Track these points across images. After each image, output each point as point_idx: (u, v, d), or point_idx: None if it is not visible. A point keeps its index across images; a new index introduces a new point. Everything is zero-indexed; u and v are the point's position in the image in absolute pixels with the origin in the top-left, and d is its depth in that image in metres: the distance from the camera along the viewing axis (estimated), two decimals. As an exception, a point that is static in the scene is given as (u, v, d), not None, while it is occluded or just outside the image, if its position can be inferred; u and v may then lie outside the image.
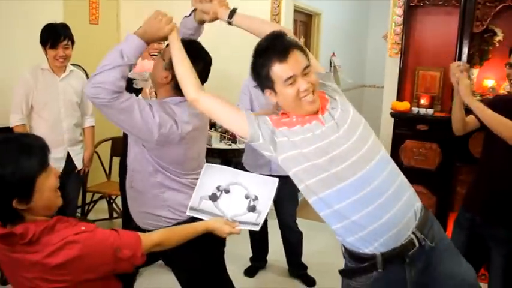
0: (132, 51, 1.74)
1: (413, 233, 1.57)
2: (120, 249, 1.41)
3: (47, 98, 3.11)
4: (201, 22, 2.04)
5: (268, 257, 3.64)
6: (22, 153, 1.33)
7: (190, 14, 2.07)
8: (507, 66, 2.33)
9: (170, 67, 1.86)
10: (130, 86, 2.75)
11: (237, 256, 3.65)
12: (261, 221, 1.74)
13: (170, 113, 1.86)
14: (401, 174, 1.65)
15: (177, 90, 1.89)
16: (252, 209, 1.75)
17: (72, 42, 3.12)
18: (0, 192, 1.30)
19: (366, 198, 1.52)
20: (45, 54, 3.10)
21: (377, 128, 4.11)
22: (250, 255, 3.61)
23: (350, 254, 1.65)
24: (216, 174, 1.81)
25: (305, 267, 3.49)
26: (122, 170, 3.28)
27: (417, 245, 1.57)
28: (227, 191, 1.79)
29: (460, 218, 2.50)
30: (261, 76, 1.62)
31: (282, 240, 3.48)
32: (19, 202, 1.31)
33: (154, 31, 1.77)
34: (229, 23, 1.92)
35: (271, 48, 1.58)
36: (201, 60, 1.90)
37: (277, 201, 3.32)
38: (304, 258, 3.53)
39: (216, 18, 1.96)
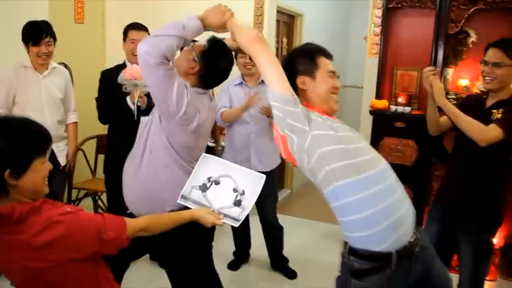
0: (191, 28, 1.86)
1: (414, 233, 1.68)
2: (105, 231, 1.44)
3: (29, 96, 3.13)
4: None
5: (251, 251, 3.73)
6: (30, 131, 1.40)
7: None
8: (482, 64, 2.45)
9: (200, 59, 2.02)
10: (120, 90, 2.81)
11: (220, 250, 3.72)
12: (243, 217, 1.82)
13: (196, 99, 2.00)
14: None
15: (201, 82, 2.06)
16: (237, 203, 1.83)
17: (55, 39, 3.16)
18: (3, 155, 1.33)
19: (382, 192, 1.60)
20: (28, 52, 3.13)
21: (357, 127, 4.23)
22: (234, 249, 3.70)
23: (360, 255, 1.64)
24: (210, 165, 1.91)
25: (286, 260, 3.60)
26: (108, 167, 3.33)
27: (419, 244, 1.68)
28: (217, 183, 1.88)
29: (432, 210, 2.64)
30: (307, 60, 1.76)
31: (263, 234, 3.57)
32: (11, 175, 1.34)
33: (216, 15, 1.88)
34: None
35: (321, 48, 1.81)
36: (225, 57, 2.05)
37: (258, 197, 3.42)
38: (286, 253, 3.64)
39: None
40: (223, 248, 3.69)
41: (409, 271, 1.66)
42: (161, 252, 2.19)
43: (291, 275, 3.52)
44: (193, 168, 2.01)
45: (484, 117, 2.36)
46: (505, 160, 2.40)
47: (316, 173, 1.62)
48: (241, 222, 1.82)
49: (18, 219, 1.34)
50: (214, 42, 2.04)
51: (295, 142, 1.62)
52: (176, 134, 1.99)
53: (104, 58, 4.75)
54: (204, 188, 1.88)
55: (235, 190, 1.86)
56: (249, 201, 1.85)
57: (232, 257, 3.69)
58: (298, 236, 4.17)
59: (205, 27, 1.91)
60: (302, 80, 1.75)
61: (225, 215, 1.83)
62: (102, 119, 3.19)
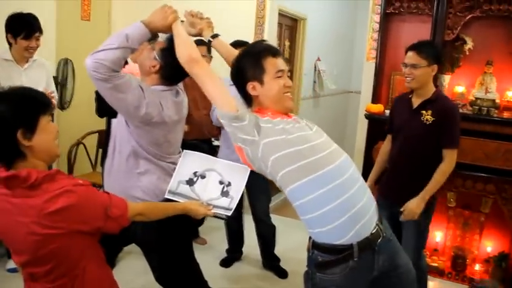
0: (136, 36, 1.88)
1: (377, 224, 1.72)
2: (110, 208, 1.52)
3: None
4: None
5: (243, 249, 3.78)
6: (30, 94, 1.49)
7: None
8: (403, 65, 2.73)
9: (160, 57, 2.03)
10: None
11: (213, 248, 3.79)
12: (233, 206, 1.90)
13: (157, 97, 2.01)
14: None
15: (164, 80, 2.07)
16: (225, 194, 1.91)
17: (41, 33, 3.18)
18: (8, 120, 1.40)
19: (339, 187, 1.63)
20: (10, 44, 3.12)
21: (355, 132, 4.26)
22: (227, 246, 3.74)
23: (322, 248, 1.70)
24: (194, 161, 1.98)
25: (278, 259, 3.64)
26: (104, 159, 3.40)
27: (382, 235, 1.72)
28: (203, 177, 1.95)
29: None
30: (253, 65, 1.75)
31: (256, 232, 3.61)
32: (23, 135, 1.41)
33: (159, 20, 1.91)
34: (209, 42, 2.18)
35: (267, 46, 1.81)
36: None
37: (251, 196, 3.49)
38: (280, 254, 3.68)
39: (199, 34, 2.17)
40: (216, 245, 3.75)
41: (373, 262, 1.70)
42: (144, 243, 2.23)
43: (282, 274, 3.56)
44: (167, 163, 2.06)
45: (415, 118, 2.67)
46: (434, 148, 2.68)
47: (274, 176, 1.68)
48: (232, 210, 1.89)
49: (32, 184, 1.40)
50: (173, 39, 2.00)
51: (249, 152, 1.67)
52: (143, 133, 2.02)
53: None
54: (191, 183, 1.95)
55: (221, 182, 1.93)
56: (236, 191, 1.91)
57: (225, 254, 3.73)
58: (292, 237, 4.20)
59: (152, 31, 1.93)
60: (252, 86, 1.76)
61: (215, 206, 1.92)
62: (99, 112, 3.25)
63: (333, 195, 1.63)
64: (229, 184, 1.92)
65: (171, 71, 2.05)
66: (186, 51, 1.80)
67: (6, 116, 1.40)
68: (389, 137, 2.98)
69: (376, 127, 3.65)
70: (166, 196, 1.94)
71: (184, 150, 2.01)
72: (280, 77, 1.76)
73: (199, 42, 3.09)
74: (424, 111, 2.66)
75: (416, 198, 2.63)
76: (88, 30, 4.68)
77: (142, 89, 1.96)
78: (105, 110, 3.20)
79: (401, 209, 2.65)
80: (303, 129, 1.71)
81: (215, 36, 2.17)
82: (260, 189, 3.43)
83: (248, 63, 1.77)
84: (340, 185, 1.64)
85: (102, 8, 4.82)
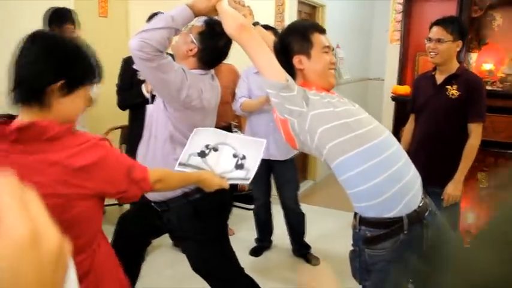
0: (181, 18, 1.88)
1: (422, 198, 1.71)
2: (134, 169, 1.42)
3: None
4: None
5: (272, 238, 3.74)
6: (94, 55, 1.37)
7: None
8: (427, 40, 2.67)
9: (198, 40, 2.02)
10: (135, 78, 2.86)
11: (242, 237, 3.76)
12: (251, 176, 1.83)
13: (197, 80, 2.00)
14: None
15: (201, 64, 2.06)
16: (239, 167, 1.85)
17: (74, 25, 3.25)
18: (62, 64, 1.28)
19: (387, 160, 1.63)
20: None
21: (379, 117, 4.19)
22: (254, 237, 3.71)
23: (371, 223, 1.67)
24: (206, 136, 1.92)
25: (308, 247, 3.59)
26: (129, 154, 3.39)
27: (428, 208, 1.70)
28: (215, 149, 1.89)
29: None
30: (300, 39, 1.76)
31: (285, 221, 3.58)
32: (61, 88, 1.27)
33: (203, 1, 1.89)
34: None
35: (314, 23, 1.83)
36: (223, 36, 1.97)
37: (279, 185, 3.47)
38: (309, 242, 3.63)
39: None
40: (245, 235, 3.72)
41: (422, 236, 1.68)
42: (179, 231, 2.21)
43: (314, 261, 3.51)
44: None
45: (440, 94, 2.63)
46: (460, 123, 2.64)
47: (321, 150, 1.65)
48: (251, 179, 1.83)
49: (52, 137, 1.25)
50: (211, 23, 2.03)
51: (295, 124, 1.64)
52: (182, 117, 2.01)
53: (126, 52, 4.81)
54: (202, 155, 1.89)
55: (235, 155, 1.87)
56: (252, 163, 1.85)
57: (252, 244, 3.70)
58: (322, 225, 4.15)
59: (195, 14, 1.91)
60: (298, 60, 1.75)
61: (229, 178, 1.84)
62: (120, 104, 3.26)
63: (381, 168, 1.61)
64: (243, 157, 1.86)
65: (209, 55, 2.06)
66: (235, 20, 1.75)
67: (57, 62, 1.27)
68: (412, 117, 2.93)
69: (403, 109, 3.58)
70: (177, 168, 1.86)
71: (196, 128, 1.96)
72: (326, 52, 1.78)
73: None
74: (449, 86, 2.63)
75: (452, 182, 2.60)
76: (105, 27, 4.68)
77: (185, 71, 1.95)
78: (126, 102, 3.23)
79: (442, 197, 2.61)
80: (347, 104, 1.72)
81: (256, 24, 2.15)
82: (288, 176, 3.41)
83: (296, 37, 1.77)
84: (387, 157, 1.62)
85: (120, 4, 4.82)
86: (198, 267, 2.24)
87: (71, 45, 1.33)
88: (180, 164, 1.87)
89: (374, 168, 1.60)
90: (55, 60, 1.28)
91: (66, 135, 1.28)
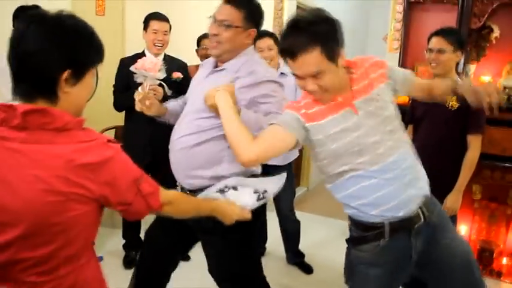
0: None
1: (420, 208, 1.69)
2: (142, 181, 1.28)
3: None
4: None
5: (267, 245, 3.72)
6: (98, 37, 1.25)
7: None
8: (427, 52, 2.67)
9: (246, 23, 2.02)
10: (131, 79, 2.80)
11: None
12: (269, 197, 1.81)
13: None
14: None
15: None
16: (261, 199, 1.79)
17: None
18: (69, 49, 1.15)
19: (385, 181, 1.63)
20: None
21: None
22: (249, 243, 3.67)
23: (354, 223, 1.73)
24: (227, 181, 1.87)
25: (302, 255, 3.58)
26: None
27: (422, 219, 1.68)
28: (235, 188, 1.81)
29: None
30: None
31: (280, 229, 3.55)
32: (69, 78, 1.16)
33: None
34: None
35: (284, 46, 1.58)
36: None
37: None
38: (303, 249, 3.62)
39: None
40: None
41: (409, 246, 1.68)
42: (210, 229, 2.00)
43: (308, 269, 3.50)
44: None
45: (439, 105, 2.55)
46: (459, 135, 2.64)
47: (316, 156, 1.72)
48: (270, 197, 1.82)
49: (61, 128, 1.14)
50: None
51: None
52: None
53: (123, 50, 4.77)
54: (222, 192, 1.80)
55: (255, 191, 1.80)
56: (271, 194, 1.83)
57: (247, 251, 3.65)
58: (314, 232, 4.14)
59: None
60: (342, 53, 1.59)
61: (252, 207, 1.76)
62: (116, 105, 3.21)
63: (376, 188, 1.65)
64: (265, 191, 1.80)
65: (257, 14, 2.14)
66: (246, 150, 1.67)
67: (61, 49, 1.14)
68: (410, 128, 2.91)
69: (401, 119, 3.58)
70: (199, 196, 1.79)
71: None
72: (300, 79, 1.69)
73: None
74: (448, 97, 2.60)
75: (452, 194, 2.60)
76: (102, 26, 4.62)
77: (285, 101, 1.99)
78: (122, 103, 3.18)
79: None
80: (356, 125, 1.66)
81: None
82: (284, 183, 3.36)
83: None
84: (387, 179, 1.64)
85: (117, 3, 4.78)
86: (218, 270, 2.13)
87: (73, 25, 1.18)
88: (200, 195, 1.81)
89: (368, 188, 1.64)
90: (60, 45, 1.14)
91: (76, 129, 1.18)
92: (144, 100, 2.14)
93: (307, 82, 1.56)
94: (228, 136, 1.71)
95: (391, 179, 1.62)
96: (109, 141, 1.22)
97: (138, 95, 2.18)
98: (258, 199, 1.77)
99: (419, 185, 1.72)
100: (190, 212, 1.56)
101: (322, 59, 1.52)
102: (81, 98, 1.24)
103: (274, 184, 1.84)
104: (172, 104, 2.34)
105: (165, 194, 1.39)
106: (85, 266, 1.26)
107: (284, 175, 1.86)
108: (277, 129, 1.63)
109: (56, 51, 1.13)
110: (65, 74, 1.14)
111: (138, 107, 2.15)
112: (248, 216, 1.68)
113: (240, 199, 1.75)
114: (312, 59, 1.51)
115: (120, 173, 1.21)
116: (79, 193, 1.14)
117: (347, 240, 1.81)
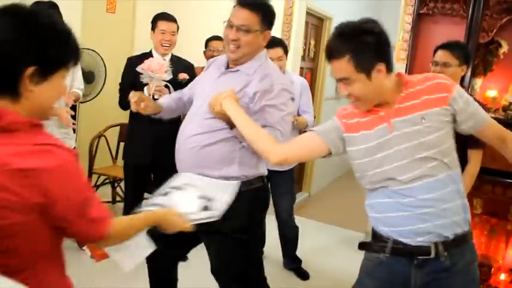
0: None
1: (435, 243, 1.56)
2: (90, 204, 1.16)
3: None
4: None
5: (264, 249, 3.70)
6: (72, 34, 1.17)
7: None
8: (432, 65, 2.68)
9: (262, 26, 2.03)
10: (137, 79, 2.81)
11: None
12: (218, 214, 1.69)
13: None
14: None
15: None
16: (205, 208, 1.70)
17: None
18: (37, 45, 1.09)
19: (404, 204, 1.59)
20: None
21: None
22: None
23: (372, 230, 1.71)
24: (176, 178, 1.88)
25: (299, 261, 3.58)
26: (127, 154, 3.37)
27: (433, 255, 1.57)
28: (179, 189, 1.80)
29: None
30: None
31: (278, 233, 3.56)
32: (33, 76, 1.09)
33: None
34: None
35: (325, 48, 1.64)
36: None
37: (275, 196, 3.41)
38: (300, 255, 3.61)
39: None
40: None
41: (408, 271, 1.61)
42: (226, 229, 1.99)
43: (304, 276, 3.50)
44: None
45: None
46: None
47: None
48: (220, 215, 1.68)
49: (4, 128, 1.07)
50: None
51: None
52: None
53: (132, 48, 4.81)
54: (165, 194, 1.78)
55: (201, 197, 1.75)
56: (218, 205, 1.72)
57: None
58: (312, 239, 4.14)
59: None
60: (380, 68, 1.55)
61: (194, 220, 1.62)
62: (121, 104, 3.22)
63: (392, 208, 1.63)
64: (210, 199, 1.73)
65: (272, 15, 2.13)
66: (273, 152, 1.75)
67: (30, 43, 1.07)
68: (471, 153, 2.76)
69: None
70: (142, 209, 1.69)
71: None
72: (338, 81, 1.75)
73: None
74: None
75: None
76: (113, 23, 4.67)
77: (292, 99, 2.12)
78: (127, 102, 3.18)
79: None
80: (383, 145, 1.63)
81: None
82: (285, 189, 3.39)
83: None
84: (406, 203, 1.60)
85: (128, 2, 4.82)
86: (223, 270, 2.12)
87: (46, 22, 1.12)
88: (144, 204, 1.75)
89: (375, 194, 1.66)
90: (29, 40, 1.08)
91: (23, 130, 1.09)
92: (140, 102, 2.15)
93: (340, 85, 1.61)
94: (250, 140, 1.78)
95: (405, 205, 1.56)
96: (60, 147, 1.11)
97: (133, 97, 2.17)
98: (202, 209, 1.69)
99: (438, 222, 1.55)
100: (136, 233, 1.38)
101: (350, 68, 1.53)
102: (47, 99, 1.16)
103: (223, 192, 1.78)
104: (167, 101, 2.36)
105: (119, 223, 1.28)
106: (42, 281, 1.16)
107: (235, 183, 1.84)
108: (313, 135, 1.71)
109: (25, 43, 1.07)
110: (30, 70, 1.08)
111: (133, 107, 2.17)
112: (189, 227, 1.56)
113: (182, 203, 1.69)
114: (340, 65, 1.55)
115: (63, 187, 1.10)
116: (12, 200, 1.04)
117: (359, 243, 1.78)
